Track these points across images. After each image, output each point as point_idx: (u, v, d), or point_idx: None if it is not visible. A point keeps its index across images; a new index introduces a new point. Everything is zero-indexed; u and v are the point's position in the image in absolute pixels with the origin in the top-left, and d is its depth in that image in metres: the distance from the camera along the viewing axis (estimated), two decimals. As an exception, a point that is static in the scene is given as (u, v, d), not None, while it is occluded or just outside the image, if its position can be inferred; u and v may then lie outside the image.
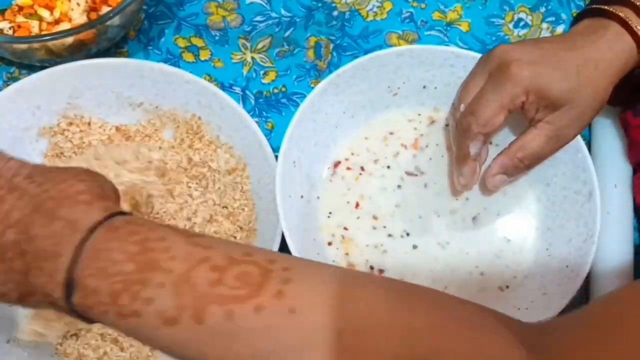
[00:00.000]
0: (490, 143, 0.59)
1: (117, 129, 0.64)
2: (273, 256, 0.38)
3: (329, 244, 0.59)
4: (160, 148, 0.63)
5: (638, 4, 0.54)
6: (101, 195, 0.41)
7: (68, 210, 0.39)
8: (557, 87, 0.52)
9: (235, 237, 0.61)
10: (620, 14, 0.53)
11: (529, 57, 0.53)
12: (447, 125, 0.63)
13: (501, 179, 0.58)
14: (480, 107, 0.54)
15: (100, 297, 0.37)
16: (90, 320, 0.39)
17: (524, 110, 0.54)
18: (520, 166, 0.56)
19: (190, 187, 0.62)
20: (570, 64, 0.53)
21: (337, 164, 0.61)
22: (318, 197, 0.60)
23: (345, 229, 0.59)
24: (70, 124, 0.63)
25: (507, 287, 0.58)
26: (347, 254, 0.58)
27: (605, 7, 0.54)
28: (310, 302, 0.35)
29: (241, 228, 0.61)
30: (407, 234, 0.60)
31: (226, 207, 0.61)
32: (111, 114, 0.64)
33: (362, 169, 0.61)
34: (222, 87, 0.62)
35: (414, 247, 0.59)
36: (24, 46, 0.61)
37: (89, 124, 0.64)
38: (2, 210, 0.40)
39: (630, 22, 0.53)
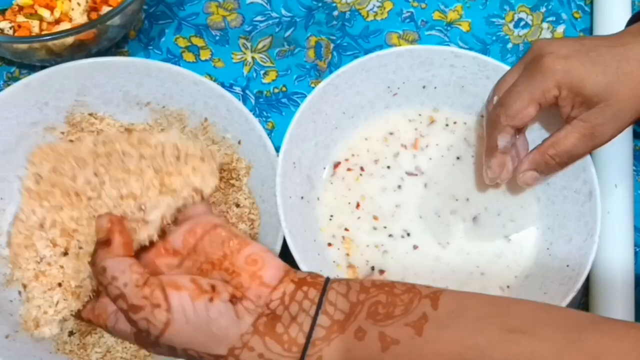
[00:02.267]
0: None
1: (124, 127, 0.64)
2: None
3: (330, 244, 0.59)
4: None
5: None
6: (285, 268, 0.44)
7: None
8: (591, 82, 0.50)
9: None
10: None
11: (565, 51, 0.51)
12: (482, 116, 0.61)
13: (532, 176, 0.56)
14: (510, 99, 0.53)
15: None
16: None
17: (558, 106, 0.53)
18: (552, 163, 0.54)
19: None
20: (609, 60, 0.50)
21: (337, 165, 0.61)
22: (318, 198, 0.60)
23: (346, 229, 0.59)
24: (77, 121, 0.64)
25: (508, 287, 0.58)
26: (347, 254, 0.58)
27: None
28: None
29: (245, 230, 0.61)
30: (408, 234, 0.60)
31: (230, 208, 0.61)
32: (118, 113, 0.64)
33: (362, 169, 0.61)
34: (223, 87, 0.62)
35: (415, 247, 0.59)
36: (24, 46, 0.61)
37: (96, 121, 0.64)
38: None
39: None
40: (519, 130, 0.55)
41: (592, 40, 0.52)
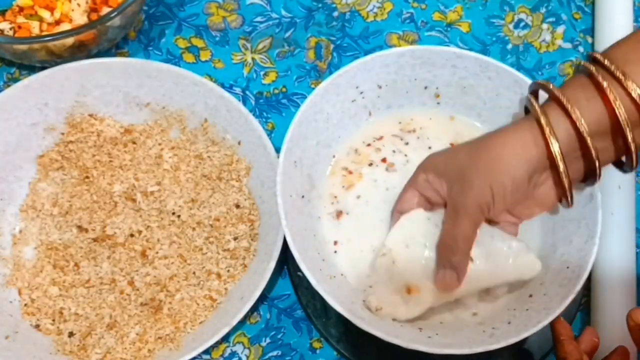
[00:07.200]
0: None
1: (124, 128, 0.64)
2: None
3: (330, 244, 0.59)
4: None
5: (565, 103, 0.47)
6: None
7: None
8: (444, 164, 0.53)
9: (238, 240, 0.61)
10: (542, 119, 0.48)
11: (434, 153, 0.56)
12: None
13: (441, 274, 0.52)
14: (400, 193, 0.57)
15: None
16: None
17: (440, 195, 0.54)
18: (449, 256, 0.52)
19: (196, 188, 0.62)
20: (464, 150, 0.52)
21: (338, 164, 0.61)
22: (319, 197, 0.60)
23: (347, 229, 0.59)
24: (77, 121, 0.64)
25: (509, 287, 0.58)
26: (348, 254, 0.58)
27: (534, 105, 0.49)
28: None
29: (245, 231, 0.61)
30: (409, 235, 0.59)
31: (230, 209, 0.62)
32: (118, 113, 0.64)
33: (364, 169, 0.61)
34: (223, 87, 0.63)
35: (416, 247, 0.59)
36: (24, 47, 0.61)
37: (96, 122, 0.64)
38: None
39: (545, 129, 0.47)
40: None
41: (461, 151, 0.53)
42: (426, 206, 0.55)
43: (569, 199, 0.51)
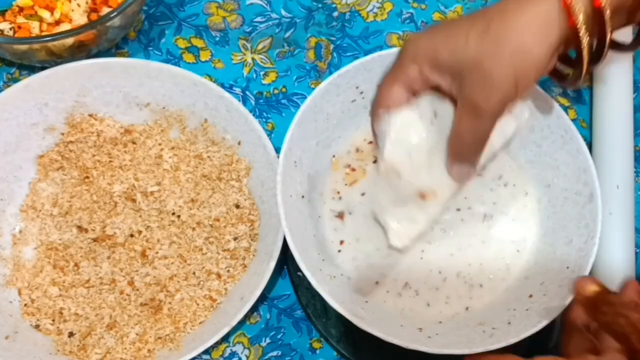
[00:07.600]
0: None
1: (124, 128, 0.64)
2: None
3: (331, 243, 0.59)
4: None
5: None
6: None
7: None
8: (444, 50, 0.46)
9: (238, 240, 0.61)
10: None
11: (423, 32, 0.48)
12: None
13: (457, 170, 0.51)
14: (378, 88, 0.52)
15: None
16: None
17: (441, 88, 0.49)
18: (464, 152, 0.49)
19: (196, 188, 0.62)
20: (464, 26, 0.45)
21: (338, 164, 0.61)
22: (319, 197, 0.60)
23: (347, 229, 0.59)
24: (77, 122, 0.64)
25: (508, 287, 0.58)
26: (349, 254, 0.58)
27: None
28: None
29: (244, 231, 0.61)
30: (409, 234, 0.59)
31: (230, 209, 0.62)
32: (118, 114, 0.64)
33: (364, 169, 0.61)
34: (223, 87, 0.63)
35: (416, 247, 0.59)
36: (24, 47, 0.61)
37: (96, 122, 0.64)
38: None
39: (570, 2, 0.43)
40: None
41: (466, 18, 0.47)
42: (411, 99, 0.51)
43: (581, 75, 0.47)
